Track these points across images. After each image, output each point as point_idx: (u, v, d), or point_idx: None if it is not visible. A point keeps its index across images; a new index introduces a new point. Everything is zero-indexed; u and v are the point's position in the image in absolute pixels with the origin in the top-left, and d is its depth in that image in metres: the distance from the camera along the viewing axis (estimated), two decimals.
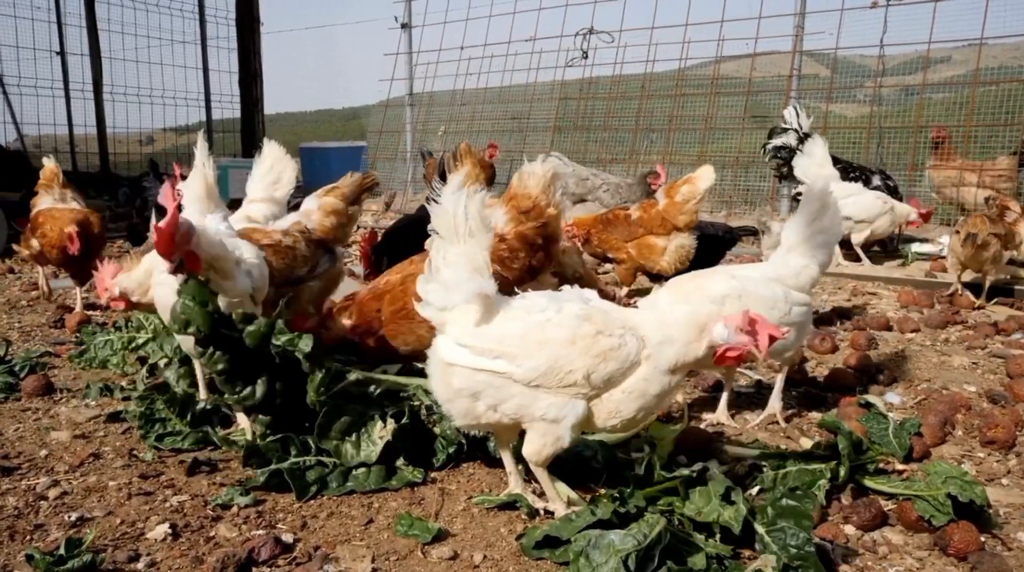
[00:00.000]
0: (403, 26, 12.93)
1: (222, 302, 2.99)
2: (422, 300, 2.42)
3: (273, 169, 4.62)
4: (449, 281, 2.36)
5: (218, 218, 3.37)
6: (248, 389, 2.93)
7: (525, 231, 3.74)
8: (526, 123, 12.11)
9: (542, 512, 2.55)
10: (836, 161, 7.59)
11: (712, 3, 10.85)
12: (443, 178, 6.07)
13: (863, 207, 7.12)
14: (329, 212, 4.55)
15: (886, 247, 7.87)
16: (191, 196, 3.39)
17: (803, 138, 7.83)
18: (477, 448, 2.93)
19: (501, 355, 2.31)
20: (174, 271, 2.93)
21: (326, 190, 4.57)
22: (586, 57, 11.43)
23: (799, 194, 7.78)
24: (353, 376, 3.09)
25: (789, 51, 10.01)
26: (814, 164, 7.34)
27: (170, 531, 2.40)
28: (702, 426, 3.35)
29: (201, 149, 3.45)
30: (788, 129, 8.04)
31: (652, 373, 2.35)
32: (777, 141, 8.08)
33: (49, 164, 5.93)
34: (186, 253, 2.93)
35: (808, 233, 3.42)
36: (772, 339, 2.37)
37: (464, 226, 2.32)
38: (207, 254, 3.01)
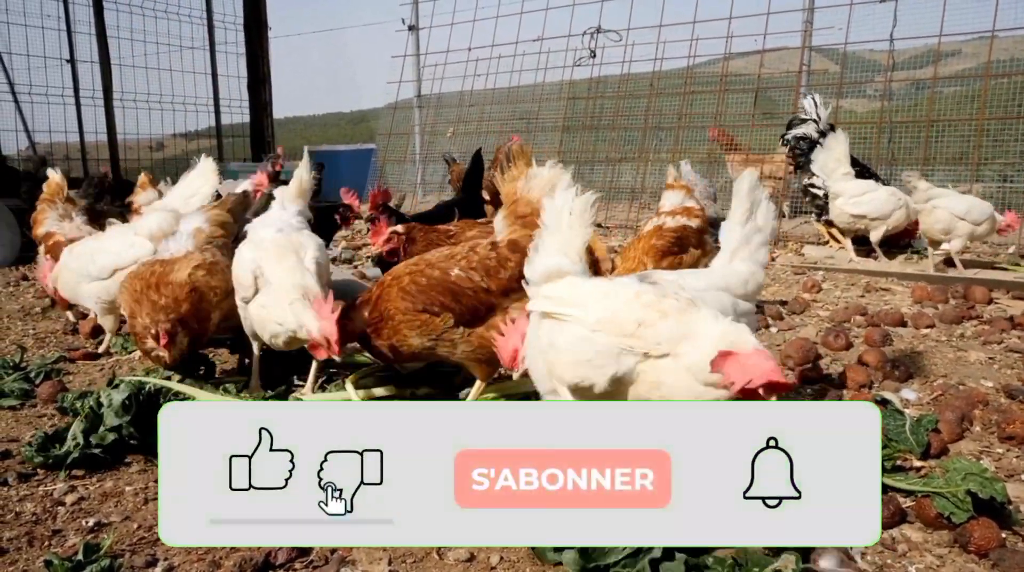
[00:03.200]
0: (410, 28, 12.94)
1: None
2: (525, 276, 2.81)
3: (193, 183, 4.64)
4: (542, 260, 2.76)
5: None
6: None
7: (518, 239, 3.42)
8: (534, 123, 12.08)
9: None
10: (855, 163, 7.53)
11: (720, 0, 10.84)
12: (475, 176, 6.01)
13: (878, 205, 7.06)
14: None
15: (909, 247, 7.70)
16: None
17: (823, 131, 7.77)
18: None
19: (574, 305, 2.58)
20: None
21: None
22: (594, 56, 11.41)
23: (811, 185, 7.80)
24: None
25: (798, 47, 9.96)
26: (832, 159, 7.31)
27: None
28: None
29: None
30: (807, 119, 7.98)
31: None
32: (797, 131, 8.02)
33: (55, 177, 5.67)
34: None
35: (745, 234, 3.12)
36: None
37: (567, 221, 2.71)
38: None
